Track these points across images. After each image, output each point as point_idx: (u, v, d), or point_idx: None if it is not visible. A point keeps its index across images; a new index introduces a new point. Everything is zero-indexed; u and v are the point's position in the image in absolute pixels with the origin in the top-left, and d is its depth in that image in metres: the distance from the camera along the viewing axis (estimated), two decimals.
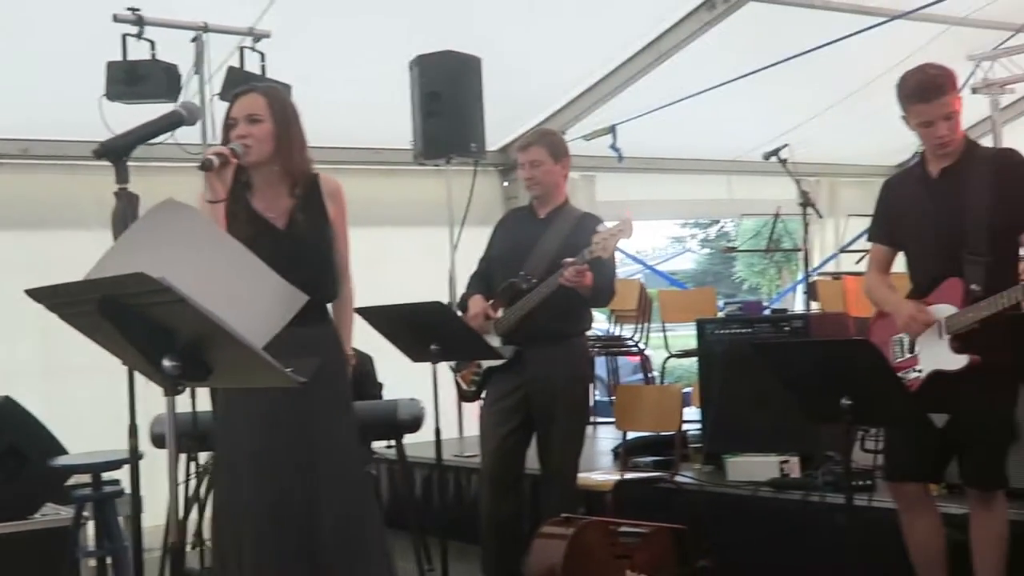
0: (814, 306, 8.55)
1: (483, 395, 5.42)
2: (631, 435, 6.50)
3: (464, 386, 5.49)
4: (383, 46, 7.47)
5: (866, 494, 5.10)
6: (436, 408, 5.06)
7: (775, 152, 6.65)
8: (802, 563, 5.36)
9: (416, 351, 4.99)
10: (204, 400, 5.00)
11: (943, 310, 4.14)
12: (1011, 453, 4.15)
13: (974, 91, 9.84)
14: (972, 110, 10.03)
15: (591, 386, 5.68)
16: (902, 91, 4.22)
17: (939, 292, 4.18)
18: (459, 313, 5.34)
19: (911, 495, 4.36)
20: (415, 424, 5.89)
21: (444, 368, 5.25)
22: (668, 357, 8.39)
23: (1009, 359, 4.00)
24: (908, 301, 4.26)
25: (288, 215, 3.99)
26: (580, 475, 5.44)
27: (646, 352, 8.97)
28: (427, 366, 4.99)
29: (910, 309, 4.20)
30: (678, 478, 5.98)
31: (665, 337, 8.61)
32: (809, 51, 8.26)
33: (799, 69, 8.55)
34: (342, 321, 4.19)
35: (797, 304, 11.22)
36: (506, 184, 9.44)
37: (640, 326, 8.74)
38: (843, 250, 10.98)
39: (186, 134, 4.19)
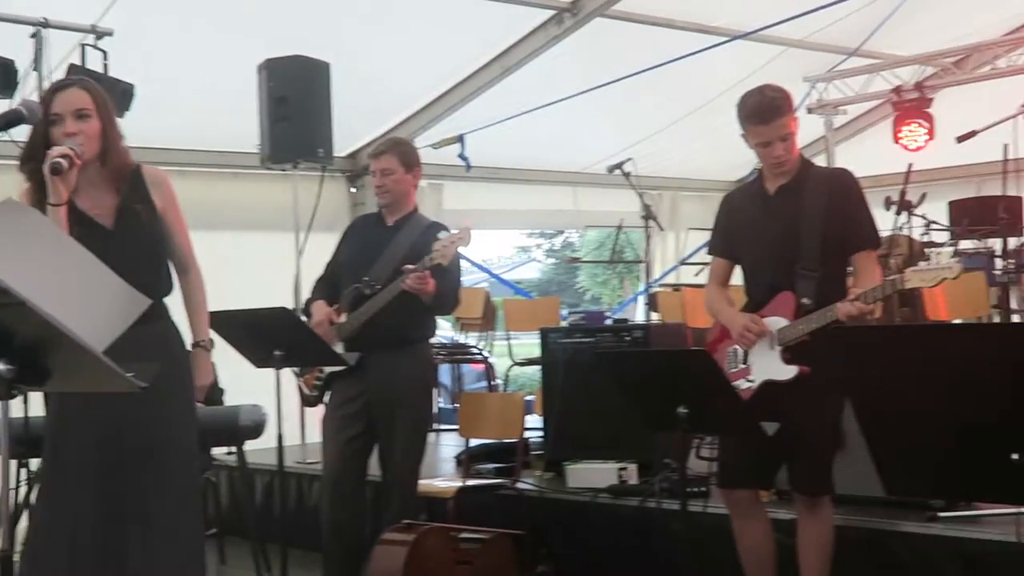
0: (655, 317, 8.74)
1: (326, 400, 5.40)
2: (474, 442, 6.54)
3: (307, 391, 5.46)
4: (231, 48, 7.37)
5: (701, 500, 5.24)
6: (279, 414, 5.03)
7: (619, 165, 6.76)
8: (639, 568, 5.48)
9: (259, 356, 4.96)
10: (37, 405, 4.86)
11: (775, 322, 4.28)
12: (837, 460, 4.32)
13: (809, 111, 10.23)
14: (807, 130, 10.42)
15: (434, 393, 5.69)
16: (742, 112, 4.36)
17: (772, 305, 4.33)
18: (303, 319, 5.31)
19: (743, 501, 4.49)
20: (257, 430, 5.83)
21: (288, 374, 5.22)
22: (512, 365, 8.47)
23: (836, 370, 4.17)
24: (742, 314, 4.40)
25: (115, 213, 3.89)
26: (422, 482, 5.45)
27: (490, 360, 9.03)
28: (270, 371, 4.95)
29: (744, 321, 4.34)
30: (519, 485, 6.05)
31: (509, 345, 8.69)
32: (654, 67, 8.47)
33: (645, 85, 8.76)
34: (195, 308, 4.12)
35: (638, 314, 11.44)
36: (353, 190, 9.40)
37: (485, 334, 8.81)
38: (683, 262, 11.22)
39: (22, 132, 4.08)
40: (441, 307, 5.28)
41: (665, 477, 5.60)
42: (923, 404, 2.19)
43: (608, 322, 7.56)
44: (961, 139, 5.66)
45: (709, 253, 4.75)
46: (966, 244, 8.99)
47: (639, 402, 4.34)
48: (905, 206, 7.57)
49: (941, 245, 8.88)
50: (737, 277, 4.63)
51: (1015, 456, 2.10)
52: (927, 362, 2.15)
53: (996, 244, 8.31)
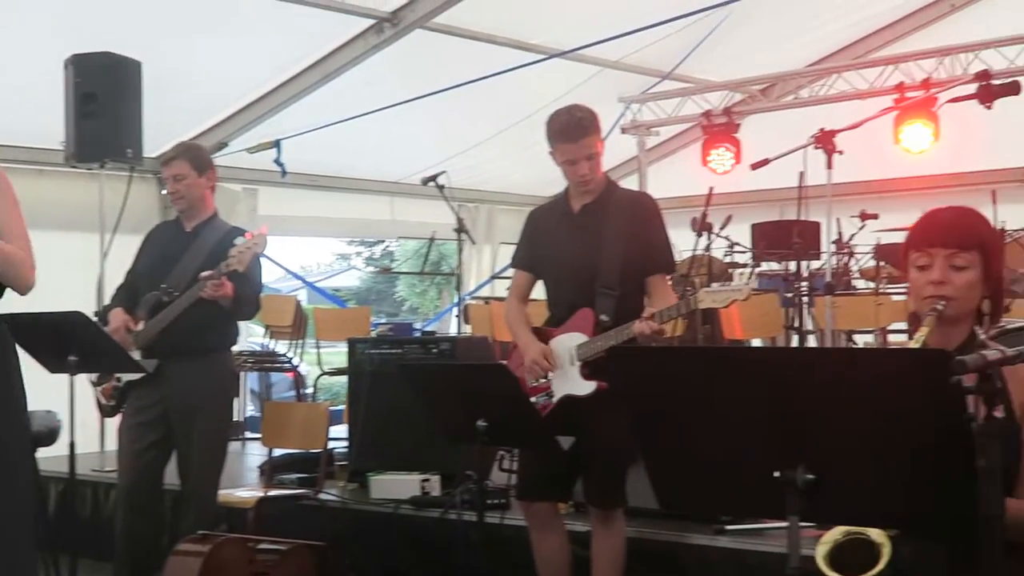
0: (467, 329, 8.81)
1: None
2: (280, 452, 6.48)
3: (104, 401, 5.32)
4: (37, 41, 7.14)
5: (500, 512, 5.30)
6: (72, 420, 4.89)
7: (433, 178, 6.79)
8: None
9: (53, 362, 4.81)
10: None
11: (575, 338, 4.38)
12: (631, 474, 4.43)
13: (623, 131, 10.45)
14: (620, 149, 10.67)
15: (234, 401, 5.62)
16: (550, 129, 4.46)
17: (572, 321, 4.42)
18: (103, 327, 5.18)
19: (541, 513, 4.56)
20: (50, 437, 5.63)
21: (83, 381, 5.08)
22: (320, 375, 8.43)
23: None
24: (536, 343, 4.46)
25: None
26: (222, 492, 5.38)
27: (300, 369, 8.96)
28: (65, 377, 4.81)
29: (535, 354, 4.42)
30: (322, 495, 6.01)
31: (319, 354, 8.63)
32: (474, 81, 8.54)
33: (464, 98, 8.83)
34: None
35: (453, 326, 11.49)
36: (164, 192, 9.18)
37: (295, 342, 8.73)
38: (495, 276, 11.31)
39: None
40: (242, 312, 5.24)
41: (467, 489, 5.64)
42: (693, 422, 2.28)
43: (416, 333, 7.59)
44: (755, 166, 5.89)
45: (512, 266, 4.82)
46: (770, 266, 9.35)
47: (440, 414, 4.38)
48: (706, 228, 7.81)
49: (744, 266, 9.23)
50: (540, 291, 4.72)
51: (777, 474, 2.20)
52: (696, 382, 2.24)
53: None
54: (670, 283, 4.67)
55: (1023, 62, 8.70)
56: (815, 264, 8.88)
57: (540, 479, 4.52)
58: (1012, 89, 6.96)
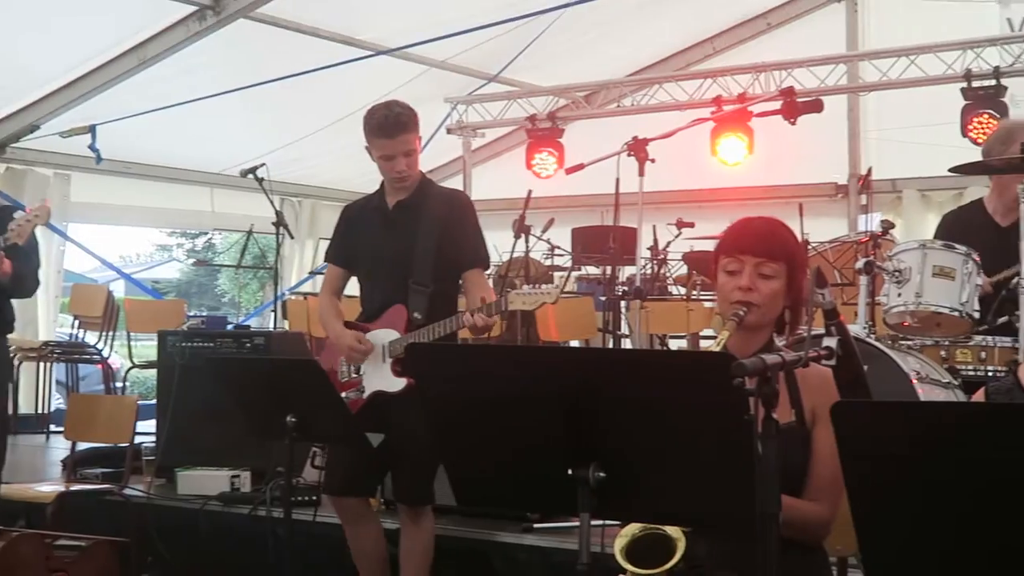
0: (285, 324, 8.72)
1: None
2: (88, 446, 6.30)
3: None
4: None
5: (311, 509, 5.25)
6: None
7: (252, 170, 6.69)
8: None
9: None
10: None
11: (387, 334, 4.38)
12: (439, 472, 4.45)
13: (449, 131, 10.49)
14: (446, 150, 10.72)
15: (8, 390, 5.44)
16: (368, 124, 4.45)
17: (385, 317, 4.43)
18: None
19: (353, 509, 4.55)
20: None
21: None
22: (130, 367, 8.23)
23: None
24: (349, 332, 4.46)
25: None
26: (19, 486, 5.22)
27: (111, 361, 8.72)
28: None
29: (350, 340, 4.41)
30: (127, 491, 5.85)
31: (129, 347, 8.42)
32: (299, 74, 8.47)
33: (289, 90, 8.75)
34: None
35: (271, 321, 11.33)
36: None
37: (105, 334, 8.48)
38: (315, 272, 11.20)
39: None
40: (20, 289, 5.12)
41: (277, 485, 5.57)
42: (487, 419, 2.31)
43: (230, 327, 7.47)
44: (569, 171, 5.99)
45: (326, 261, 4.80)
46: (589, 270, 9.50)
47: (249, 409, 4.33)
48: (524, 230, 7.89)
49: (564, 269, 9.37)
50: (355, 287, 4.71)
51: (570, 471, 2.24)
52: (489, 379, 2.27)
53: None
54: (488, 279, 4.72)
55: (832, 81, 9.09)
56: (631, 269, 9.05)
57: (348, 474, 4.50)
58: (814, 107, 7.24)
